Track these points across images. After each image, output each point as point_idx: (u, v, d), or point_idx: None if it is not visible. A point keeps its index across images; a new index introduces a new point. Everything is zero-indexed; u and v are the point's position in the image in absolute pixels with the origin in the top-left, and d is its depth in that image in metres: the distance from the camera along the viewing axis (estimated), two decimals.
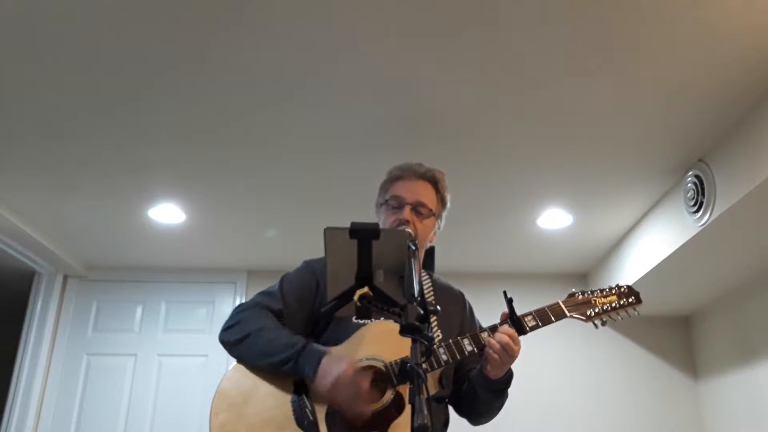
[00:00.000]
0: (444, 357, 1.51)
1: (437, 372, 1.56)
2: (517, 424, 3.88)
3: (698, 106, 2.45)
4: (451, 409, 1.71)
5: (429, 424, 0.93)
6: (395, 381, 1.47)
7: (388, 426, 1.44)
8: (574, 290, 1.72)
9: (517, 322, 1.56)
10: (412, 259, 1.20)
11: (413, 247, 1.22)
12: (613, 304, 1.71)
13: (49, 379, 4.06)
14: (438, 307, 1.35)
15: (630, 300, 1.73)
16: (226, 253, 4.08)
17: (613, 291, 1.74)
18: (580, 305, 1.69)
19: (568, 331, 4.18)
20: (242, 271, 4.34)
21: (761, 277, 3.37)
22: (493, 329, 1.55)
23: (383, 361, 1.49)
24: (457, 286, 1.84)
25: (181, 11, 1.98)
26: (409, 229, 1.60)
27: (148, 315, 4.27)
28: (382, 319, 1.54)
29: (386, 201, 1.73)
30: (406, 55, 2.20)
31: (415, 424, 0.93)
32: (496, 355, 1.49)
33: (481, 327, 1.66)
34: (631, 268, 3.60)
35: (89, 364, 4.14)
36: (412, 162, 1.79)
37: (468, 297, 1.83)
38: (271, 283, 1.71)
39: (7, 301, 4.59)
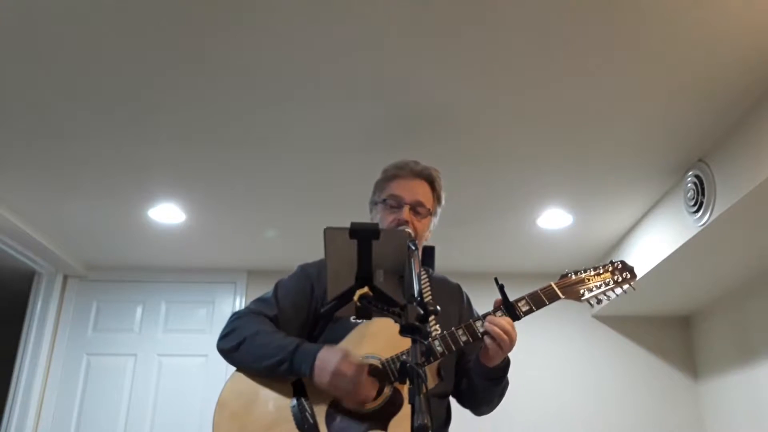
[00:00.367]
0: (439, 349, 1.51)
1: (435, 364, 1.55)
2: (516, 423, 3.88)
3: (698, 106, 2.45)
4: (453, 405, 1.70)
5: (429, 423, 0.93)
6: (393, 378, 1.47)
7: (387, 423, 1.44)
8: (566, 271, 1.68)
9: (510, 308, 1.53)
10: (412, 260, 1.20)
11: (413, 248, 1.22)
12: (607, 281, 1.66)
13: (49, 379, 4.06)
14: (438, 308, 1.35)
15: (624, 275, 1.68)
16: (226, 253, 4.08)
17: (608, 268, 1.69)
18: (573, 285, 1.64)
19: (569, 331, 4.21)
20: (242, 271, 4.34)
21: (761, 277, 3.37)
22: (486, 317, 1.54)
23: (380, 359, 1.50)
24: (454, 280, 1.84)
25: (181, 11, 1.98)
26: (408, 230, 1.60)
27: (148, 315, 4.27)
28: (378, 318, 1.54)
29: (384, 200, 1.73)
30: (406, 55, 2.20)
31: (415, 424, 0.93)
32: (494, 342, 1.48)
33: (475, 316, 1.64)
34: None
35: (89, 364, 4.14)
36: (408, 160, 1.79)
37: (466, 292, 1.83)
38: (271, 283, 1.72)
39: (7, 301, 4.59)
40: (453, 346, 1.52)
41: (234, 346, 1.56)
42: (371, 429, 1.44)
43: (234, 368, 1.59)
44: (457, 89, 2.38)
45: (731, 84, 2.31)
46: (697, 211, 2.80)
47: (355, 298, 1.20)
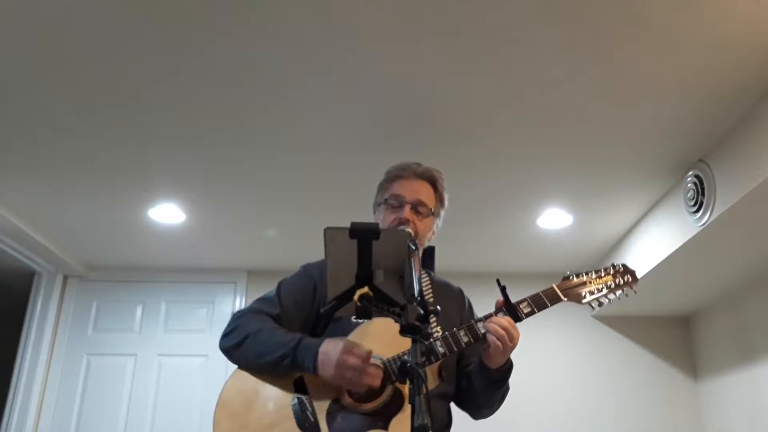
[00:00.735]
0: (441, 350, 1.51)
1: (436, 365, 1.55)
2: (516, 423, 3.88)
3: (698, 106, 2.45)
4: (454, 407, 1.71)
5: (429, 423, 0.93)
6: (394, 378, 1.47)
7: (388, 422, 1.44)
8: (568, 273, 1.68)
9: (512, 310, 1.53)
10: (412, 259, 1.20)
11: (413, 247, 1.22)
12: (609, 284, 1.66)
13: (49, 379, 4.06)
14: (438, 308, 1.35)
15: (626, 278, 1.68)
16: (226, 253, 4.08)
17: (609, 271, 1.69)
18: (575, 287, 1.64)
19: (569, 331, 4.21)
20: (242, 271, 4.34)
21: (761, 277, 3.37)
22: (488, 318, 1.54)
23: (381, 359, 1.50)
24: (455, 283, 1.84)
25: (181, 11, 1.98)
26: (408, 229, 1.60)
27: (148, 315, 4.27)
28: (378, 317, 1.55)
29: (385, 200, 1.73)
30: (406, 55, 2.20)
31: (416, 424, 0.93)
32: (497, 341, 1.48)
33: (476, 318, 1.65)
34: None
35: (89, 364, 4.15)
36: (410, 161, 1.79)
37: (468, 297, 1.83)
38: (271, 283, 1.72)
39: (7, 301, 4.59)
40: (455, 347, 1.52)
41: (237, 343, 1.57)
42: (372, 428, 1.44)
43: (235, 367, 1.59)
44: (457, 89, 2.38)
45: (731, 84, 2.31)
46: (697, 211, 2.80)
47: (355, 298, 1.20)
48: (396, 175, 1.76)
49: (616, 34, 2.07)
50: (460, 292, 1.82)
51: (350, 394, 1.49)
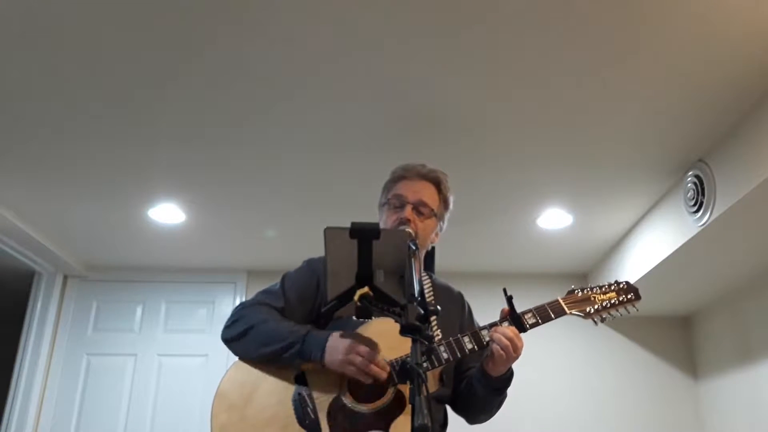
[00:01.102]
0: (445, 355, 1.52)
1: (437, 370, 1.56)
2: (516, 423, 3.88)
3: (698, 106, 2.45)
4: (449, 408, 1.71)
5: (429, 423, 0.93)
6: (396, 380, 1.47)
7: (389, 424, 1.44)
8: (573, 287, 1.71)
9: (516, 320, 1.55)
10: (412, 259, 1.20)
11: (413, 247, 1.22)
12: (613, 301, 1.69)
13: (49, 379, 4.06)
14: (438, 307, 1.35)
15: (629, 296, 1.71)
16: (226, 253, 4.08)
17: (612, 287, 1.73)
18: (580, 302, 1.67)
19: (569, 331, 4.20)
20: (242, 271, 4.34)
21: (761, 277, 3.37)
22: (493, 327, 1.55)
23: (384, 360, 1.49)
24: (457, 286, 1.84)
25: (181, 11, 1.98)
26: (409, 229, 1.61)
27: (148, 315, 4.27)
28: (381, 318, 1.55)
29: (388, 200, 1.73)
30: (406, 55, 2.20)
31: (416, 424, 0.93)
32: (501, 351, 1.49)
33: (478, 324, 1.65)
34: (631, 268, 3.60)
35: (89, 364, 4.15)
36: (415, 162, 1.79)
37: (468, 297, 1.83)
38: (270, 283, 1.72)
39: (7, 301, 4.59)
40: (459, 354, 1.52)
41: (240, 333, 1.57)
42: (373, 429, 1.44)
43: (235, 359, 1.59)
44: (457, 89, 2.38)
45: (731, 84, 2.31)
46: (697, 211, 2.80)
47: (356, 298, 1.20)
48: (400, 175, 1.77)
49: (616, 34, 2.07)
50: (461, 296, 1.83)
51: (352, 392, 1.49)
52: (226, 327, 1.62)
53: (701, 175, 2.78)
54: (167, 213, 3.46)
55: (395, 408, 1.46)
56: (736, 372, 3.66)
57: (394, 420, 1.45)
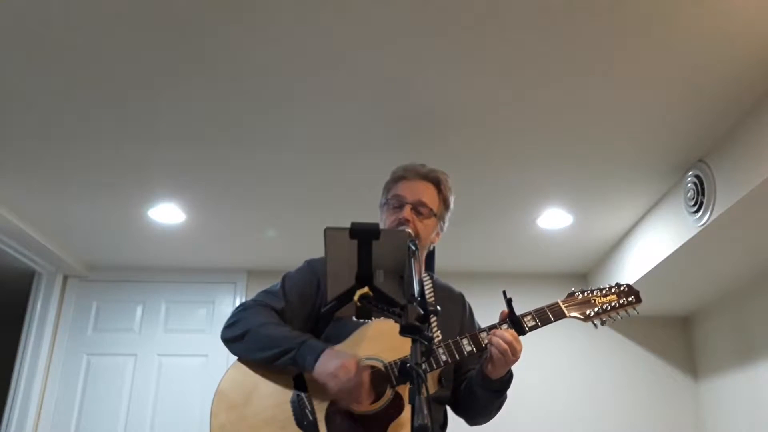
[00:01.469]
0: (443, 357, 1.51)
1: (436, 371, 1.56)
2: (516, 424, 3.88)
3: (698, 106, 2.45)
4: (449, 410, 1.71)
5: (429, 424, 0.93)
6: (395, 381, 1.47)
7: (387, 426, 1.44)
8: (573, 289, 1.70)
9: (516, 323, 1.55)
10: (412, 260, 1.20)
11: (413, 248, 1.22)
12: (613, 303, 1.69)
13: (49, 379, 4.06)
14: (438, 308, 1.34)
15: (630, 299, 1.71)
16: (226, 253, 4.08)
17: (613, 290, 1.72)
18: (580, 305, 1.67)
19: (569, 331, 4.19)
20: (242, 271, 4.34)
21: (761, 277, 3.37)
22: (492, 329, 1.55)
23: (383, 361, 1.50)
24: (456, 286, 1.84)
25: (181, 11, 1.98)
26: (408, 229, 1.60)
27: (148, 315, 4.27)
28: (381, 318, 1.55)
29: (387, 201, 1.73)
30: (406, 55, 2.20)
31: (415, 424, 0.93)
32: (500, 354, 1.48)
33: (480, 327, 1.65)
34: (631, 268, 3.60)
35: (89, 364, 4.14)
36: (415, 163, 1.79)
37: (468, 297, 1.83)
38: (270, 283, 1.72)
39: (7, 301, 4.59)
40: (457, 356, 1.52)
41: (239, 335, 1.57)
42: (371, 431, 1.44)
43: (235, 358, 1.59)
44: (457, 89, 2.38)
45: (731, 84, 2.31)
46: (697, 211, 2.80)
47: (356, 298, 1.20)
48: (400, 176, 1.76)
49: (616, 34, 2.07)
50: (462, 296, 1.82)
51: None
52: (226, 327, 1.62)
53: (701, 175, 2.78)
54: (167, 213, 3.46)
55: (393, 409, 1.46)
56: (736, 372, 3.66)
57: (392, 421, 1.44)
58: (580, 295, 1.69)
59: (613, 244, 3.84)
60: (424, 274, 1.76)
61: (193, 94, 2.41)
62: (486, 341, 1.52)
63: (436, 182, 1.76)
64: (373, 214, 1.79)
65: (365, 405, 1.44)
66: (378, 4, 1.95)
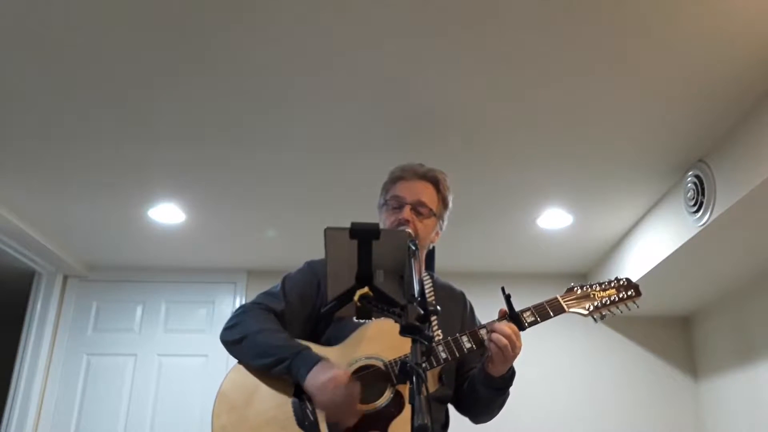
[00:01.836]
0: (443, 355, 1.51)
1: (437, 369, 1.55)
2: (516, 424, 3.87)
3: (698, 106, 2.45)
4: (451, 409, 1.71)
5: (429, 424, 0.93)
6: (395, 380, 1.47)
7: (387, 425, 1.44)
8: (572, 284, 1.69)
9: (515, 318, 1.54)
10: (412, 260, 1.20)
11: (413, 248, 1.22)
12: (612, 298, 1.67)
13: (49, 379, 4.06)
14: (438, 307, 1.34)
15: (629, 293, 1.69)
16: (226, 253, 4.08)
17: (612, 284, 1.71)
18: (579, 299, 1.66)
19: (568, 331, 4.20)
20: (242, 271, 4.34)
21: (761, 277, 3.37)
22: (491, 325, 1.54)
23: (383, 360, 1.49)
24: (456, 286, 1.84)
25: (181, 12, 1.98)
26: (408, 229, 1.60)
27: (148, 315, 4.27)
28: (381, 318, 1.54)
29: (386, 201, 1.73)
30: (405, 55, 2.20)
31: (415, 424, 0.93)
32: (499, 350, 1.48)
33: (479, 324, 1.65)
34: (631, 268, 3.60)
35: (89, 364, 4.14)
36: (413, 162, 1.79)
37: (468, 297, 1.83)
38: (271, 283, 1.72)
39: (7, 301, 4.59)
40: (457, 353, 1.52)
41: (236, 339, 1.57)
42: (371, 430, 1.44)
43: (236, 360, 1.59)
44: (457, 89, 2.38)
45: (731, 84, 2.31)
46: (697, 211, 2.80)
47: (356, 298, 1.20)
48: (398, 176, 1.76)
49: (616, 34, 2.07)
50: (462, 295, 1.82)
51: None
52: (225, 329, 1.62)
53: (701, 175, 2.78)
54: (167, 213, 3.46)
55: (394, 408, 1.46)
56: (736, 372, 3.66)
57: (392, 421, 1.44)
58: (579, 290, 1.68)
59: (613, 244, 3.84)
60: (424, 274, 1.76)
61: (193, 94, 2.41)
62: (485, 337, 1.52)
63: (435, 182, 1.75)
64: (373, 214, 1.79)
65: (353, 420, 1.43)
66: (378, 4, 1.95)
